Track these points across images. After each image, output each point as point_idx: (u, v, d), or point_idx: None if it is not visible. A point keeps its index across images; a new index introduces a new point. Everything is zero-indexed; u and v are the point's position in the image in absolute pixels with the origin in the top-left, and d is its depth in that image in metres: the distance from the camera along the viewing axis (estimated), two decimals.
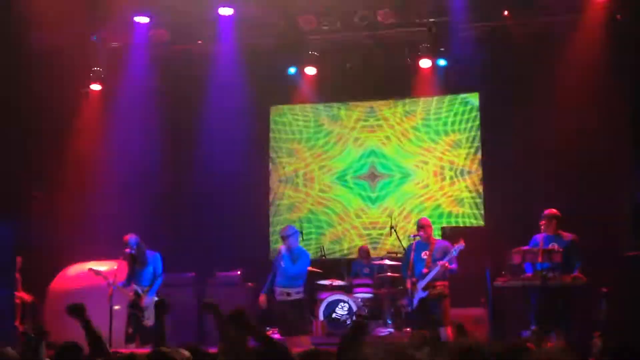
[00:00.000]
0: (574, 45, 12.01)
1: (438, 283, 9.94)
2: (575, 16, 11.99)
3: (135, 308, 10.50)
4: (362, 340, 5.20)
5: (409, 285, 10.00)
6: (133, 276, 10.63)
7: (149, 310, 10.38)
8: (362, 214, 13.82)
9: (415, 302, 9.94)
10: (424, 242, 10.16)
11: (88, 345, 5.49)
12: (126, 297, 10.62)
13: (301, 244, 11.74)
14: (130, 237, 10.68)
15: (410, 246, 10.35)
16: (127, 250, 10.61)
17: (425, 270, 9.91)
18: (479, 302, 11.05)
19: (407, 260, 10.17)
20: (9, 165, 12.58)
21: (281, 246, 10.69)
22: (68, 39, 12.60)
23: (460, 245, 9.82)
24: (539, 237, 9.84)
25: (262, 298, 10.52)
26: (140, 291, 10.51)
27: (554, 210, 9.90)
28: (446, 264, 9.75)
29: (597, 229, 10.81)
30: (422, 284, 9.90)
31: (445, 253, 9.91)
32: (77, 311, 5.60)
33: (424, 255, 10.04)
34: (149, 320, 10.38)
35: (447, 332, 9.64)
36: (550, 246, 9.64)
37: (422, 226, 10.23)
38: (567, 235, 9.82)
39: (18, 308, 11.23)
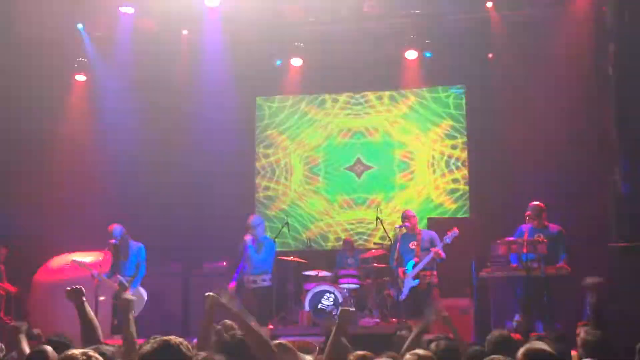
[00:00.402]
0: (559, 36, 12.03)
1: (427, 272, 10.15)
2: (560, 8, 12.03)
3: (117, 300, 10.48)
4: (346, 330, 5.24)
5: (401, 274, 10.18)
6: (117, 267, 10.62)
7: (134, 301, 10.37)
8: (347, 208, 13.81)
9: (405, 291, 10.17)
10: (410, 233, 10.34)
11: (81, 329, 5.59)
12: (111, 288, 10.60)
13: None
14: (115, 227, 10.66)
15: (396, 237, 10.54)
16: (112, 240, 10.59)
17: (416, 259, 10.12)
18: (464, 293, 11.08)
19: (394, 252, 10.30)
20: None
21: (247, 236, 10.67)
22: (53, 29, 12.55)
23: (454, 232, 9.99)
24: (525, 228, 9.89)
25: (232, 285, 10.55)
26: (125, 282, 10.49)
27: (541, 204, 9.95)
28: (439, 251, 9.96)
29: (582, 220, 10.86)
30: (413, 272, 10.11)
31: (433, 242, 10.08)
32: (75, 294, 5.69)
33: (412, 245, 10.25)
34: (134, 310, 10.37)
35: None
36: (535, 237, 9.69)
37: (406, 217, 10.50)
38: (554, 227, 9.89)
39: (2, 299, 11.19)
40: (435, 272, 10.25)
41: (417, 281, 10.14)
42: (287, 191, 14.08)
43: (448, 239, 10.03)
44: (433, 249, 10.04)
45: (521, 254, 9.74)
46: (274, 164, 14.16)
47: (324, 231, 13.81)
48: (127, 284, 10.48)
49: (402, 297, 10.28)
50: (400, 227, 10.73)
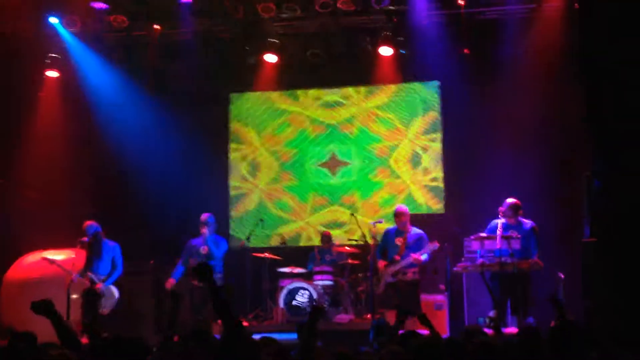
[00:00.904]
0: (532, 33, 12.09)
1: (407, 270, 10.18)
2: (532, 4, 12.07)
3: (90, 295, 10.40)
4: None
5: (381, 266, 10.24)
6: (90, 265, 10.55)
7: (106, 298, 10.34)
8: (320, 207, 13.79)
9: (382, 285, 10.21)
10: (400, 229, 10.36)
11: (60, 340, 5.21)
12: (83, 286, 10.55)
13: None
14: (89, 225, 10.59)
15: (387, 230, 10.59)
16: (84, 238, 10.54)
17: (397, 257, 10.14)
18: (438, 289, 11.12)
19: (382, 244, 10.43)
20: None
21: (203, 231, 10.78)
22: (25, 24, 12.45)
23: (434, 245, 10.07)
24: (498, 223, 9.91)
25: (171, 281, 10.69)
26: (95, 279, 10.44)
27: (517, 201, 9.98)
28: (419, 258, 10.01)
29: (556, 215, 10.91)
30: (391, 270, 10.13)
31: (419, 243, 10.17)
32: (44, 308, 5.25)
33: (398, 242, 10.27)
34: (105, 308, 10.34)
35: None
36: (510, 233, 9.73)
37: (396, 214, 10.49)
38: (527, 223, 9.93)
39: None
40: (416, 269, 10.27)
41: (394, 279, 10.17)
42: (257, 189, 14.00)
43: (427, 255, 10.11)
44: (413, 255, 10.01)
45: (494, 250, 9.77)
46: (247, 160, 14.09)
47: (296, 232, 13.75)
48: (98, 281, 10.42)
49: (380, 289, 10.30)
50: (375, 223, 10.84)
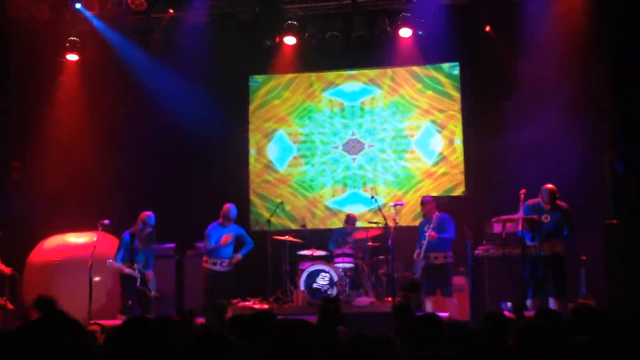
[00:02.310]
0: (555, 15, 11.96)
1: (439, 254, 10.49)
2: None
3: (142, 284, 10.71)
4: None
5: (415, 256, 10.56)
6: (136, 253, 10.72)
7: (153, 283, 10.77)
8: (341, 190, 13.78)
9: (418, 271, 10.54)
10: (426, 217, 10.67)
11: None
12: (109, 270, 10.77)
13: (282, 215, 11.86)
14: (149, 216, 10.78)
15: (420, 223, 10.96)
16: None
17: (423, 242, 10.48)
18: (459, 271, 11.09)
19: (420, 233, 10.69)
20: None
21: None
22: (44, 8, 12.46)
23: (400, 202, 11.02)
24: (530, 203, 9.92)
25: None
26: (142, 269, 10.67)
27: (553, 186, 9.91)
28: (431, 233, 10.29)
29: (579, 197, 10.81)
30: (420, 254, 10.47)
31: (442, 225, 10.45)
32: (45, 305, 5.20)
33: (427, 229, 10.52)
34: (154, 291, 10.77)
35: (453, 301, 10.45)
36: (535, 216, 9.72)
37: (422, 203, 10.87)
38: (562, 205, 9.86)
39: None
40: (449, 253, 10.53)
41: (424, 261, 10.46)
42: (278, 172, 13.99)
43: (447, 235, 10.45)
44: (427, 234, 10.32)
45: (525, 232, 9.77)
46: (267, 143, 14.06)
47: (314, 215, 13.74)
48: (145, 271, 10.77)
49: (417, 275, 10.61)
50: (395, 205, 10.95)
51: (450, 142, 13.37)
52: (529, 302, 9.69)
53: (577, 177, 11.45)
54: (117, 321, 8.84)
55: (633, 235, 10.35)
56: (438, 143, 13.44)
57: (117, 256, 10.69)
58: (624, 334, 4.97)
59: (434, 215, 10.57)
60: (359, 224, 12.55)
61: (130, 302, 10.57)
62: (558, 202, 9.83)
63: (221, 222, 11.13)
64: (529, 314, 8.78)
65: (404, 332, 5.27)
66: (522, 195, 9.85)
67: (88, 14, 12.81)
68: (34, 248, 12.19)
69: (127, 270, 10.62)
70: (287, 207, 13.31)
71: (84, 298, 10.41)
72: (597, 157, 11.61)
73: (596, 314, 5.52)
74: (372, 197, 11.73)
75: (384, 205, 12.40)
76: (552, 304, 9.57)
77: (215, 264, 11.04)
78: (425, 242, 10.41)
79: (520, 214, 9.72)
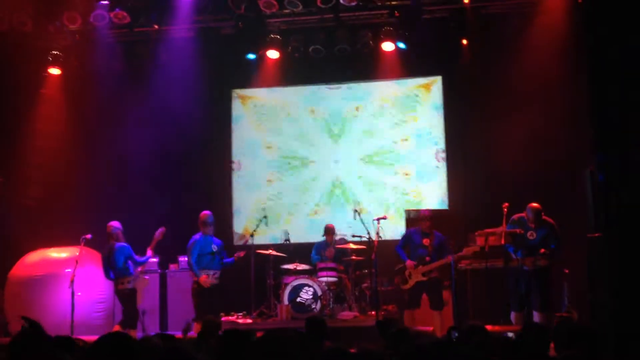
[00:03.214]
0: (535, 29, 12.05)
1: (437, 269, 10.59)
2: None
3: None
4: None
5: (410, 265, 10.55)
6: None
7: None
8: (323, 204, 13.79)
9: (411, 282, 10.56)
10: (425, 231, 10.71)
11: None
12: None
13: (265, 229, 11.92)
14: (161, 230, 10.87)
15: (409, 231, 11.04)
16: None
17: (427, 259, 10.51)
18: (443, 285, 11.10)
19: (404, 243, 10.78)
20: None
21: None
22: (27, 20, 12.42)
23: (383, 216, 11.07)
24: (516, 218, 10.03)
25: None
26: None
27: (538, 205, 9.97)
28: (450, 260, 10.29)
29: (560, 210, 10.86)
30: (422, 269, 10.51)
31: (442, 247, 10.60)
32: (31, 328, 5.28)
33: (426, 242, 10.60)
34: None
35: (440, 315, 10.53)
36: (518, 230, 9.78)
37: (421, 218, 10.91)
38: (548, 220, 9.92)
39: None
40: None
41: (425, 278, 10.56)
42: (261, 185, 13.97)
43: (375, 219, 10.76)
44: (450, 257, 10.31)
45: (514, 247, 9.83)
46: (250, 156, 14.04)
47: (298, 227, 13.72)
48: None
49: (408, 286, 10.61)
50: (378, 219, 10.93)
51: (433, 155, 13.40)
52: (512, 316, 9.72)
53: (558, 189, 11.53)
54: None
55: (614, 248, 10.38)
56: (420, 156, 13.47)
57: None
58: (606, 346, 5.01)
59: (433, 233, 10.66)
60: (340, 236, 12.58)
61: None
62: (544, 217, 9.89)
63: (203, 231, 11.03)
64: (514, 327, 8.84)
65: (393, 346, 5.28)
66: (505, 209, 9.90)
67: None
68: (16, 262, 12.11)
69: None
70: (270, 221, 13.25)
71: (67, 313, 10.37)
72: (577, 170, 11.65)
73: (579, 327, 5.55)
74: (356, 210, 11.74)
75: (367, 219, 12.37)
76: (536, 317, 9.62)
77: (208, 275, 10.88)
78: (430, 259, 10.49)
79: (503, 228, 9.77)
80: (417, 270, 10.51)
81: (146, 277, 10.99)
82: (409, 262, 10.57)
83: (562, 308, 10.07)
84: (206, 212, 11.09)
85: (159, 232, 10.79)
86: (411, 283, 10.55)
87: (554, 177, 11.83)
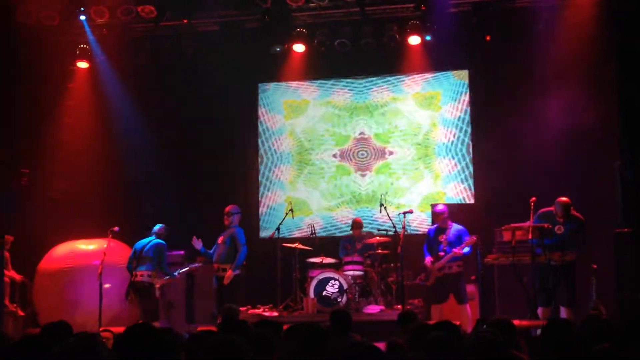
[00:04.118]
0: (563, 21, 11.97)
1: (453, 263, 10.57)
2: None
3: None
4: None
5: (428, 262, 10.65)
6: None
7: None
8: (350, 195, 13.78)
9: (432, 279, 10.64)
10: (441, 227, 10.74)
11: None
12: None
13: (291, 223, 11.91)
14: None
15: (429, 230, 11.08)
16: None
17: (441, 254, 10.53)
18: (469, 279, 11.10)
19: (427, 243, 10.84)
20: None
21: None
22: (54, 14, 12.52)
23: (473, 239, 10.42)
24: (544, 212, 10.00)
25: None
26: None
27: (567, 199, 9.91)
28: (460, 252, 10.38)
29: (588, 206, 10.80)
30: (438, 265, 10.55)
31: (460, 238, 10.52)
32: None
33: (441, 238, 10.64)
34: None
35: (467, 309, 10.49)
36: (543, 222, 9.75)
37: (436, 214, 10.91)
38: (577, 216, 9.86)
39: (7, 287, 11.18)
40: (460, 262, 10.61)
41: (441, 273, 10.57)
42: (286, 179, 14.01)
43: (469, 248, 10.48)
44: (455, 250, 10.36)
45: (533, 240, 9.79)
46: (275, 151, 14.07)
47: (325, 221, 13.75)
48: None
49: (429, 283, 10.72)
50: (404, 212, 11.02)
51: (460, 149, 13.36)
52: (539, 311, 9.68)
53: (586, 184, 11.45)
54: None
55: None
56: (446, 149, 13.43)
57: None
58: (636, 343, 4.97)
59: (450, 226, 10.66)
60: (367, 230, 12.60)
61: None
62: (573, 212, 9.83)
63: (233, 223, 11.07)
64: (540, 323, 8.81)
65: (416, 340, 5.27)
66: (532, 204, 9.85)
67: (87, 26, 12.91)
68: (45, 255, 12.22)
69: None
70: (296, 214, 13.26)
71: (95, 305, 10.47)
72: (606, 165, 11.59)
73: (607, 323, 5.51)
74: (382, 204, 11.73)
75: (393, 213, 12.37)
76: (562, 312, 9.57)
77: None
78: (444, 254, 10.48)
79: (530, 222, 9.72)
80: (435, 266, 10.56)
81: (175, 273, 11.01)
82: (427, 260, 10.67)
83: (590, 304, 10.00)
84: (232, 205, 11.16)
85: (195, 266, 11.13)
86: (431, 279, 10.63)
87: (582, 170, 11.75)
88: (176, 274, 10.75)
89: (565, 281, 9.71)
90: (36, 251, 12.26)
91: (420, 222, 13.06)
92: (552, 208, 9.86)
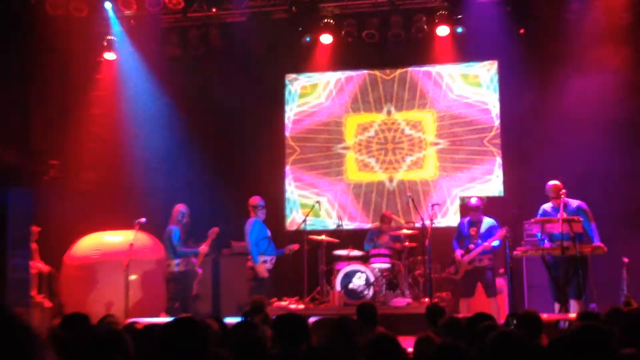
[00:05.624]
0: (594, 9, 11.78)
1: (484, 256, 10.56)
2: None
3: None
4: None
5: (457, 255, 10.63)
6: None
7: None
8: (378, 190, 13.69)
9: (461, 272, 10.61)
10: (473, 220, 10.74)
11: None
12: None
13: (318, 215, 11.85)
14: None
15: (460, 222, 11.06)
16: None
17: (471, 247, 10.52)
18: (498, 272, 10.98)
19: (457, 235, 10.82)
20: (26, 134, 12.61)
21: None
22: (82, 6, 12.56)
23: (503, 232, 10.31)
24: (547, 207, 9.91)
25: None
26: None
27: (559, 183, 9.83)
28: (489, 245, 10.41)
29: (619, 196, 10.65)
30: (467, 258, 10.53)
31: (491, 231, 10.50)
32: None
33: (472, 231, 10.64)
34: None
35: (496, 302, 10.46)
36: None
37: (470, 208, 10.87)
38: (573, 203, 9.75)
39: (34, 278, 11.22)
40: (491, 256, 10.59)
41: (471, 266, 10.54)
42: (315, 170, 13.94)
43: (499, 241, 10.42)
44: (484, 243, 10.38)
45: (555, 233, 9.62)
46: (304, 141, 14.00)
47: (352, 213, 13.67)
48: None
49: (459, 276, 10.68)
50: (432, 204, 11.16)
51: (488, 141, 13.20)
52: (571, 304, 9.53)
53: (618, 175, 11.29)
54: (158, 320, 8.84)
55: None
56: (475, 142, 13.28)
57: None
58: None
59: (482, 219, 10.61)
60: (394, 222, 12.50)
61: (177, 305, 10.68)
62: (568, 199, 9.75)
63: (257, 215, 11.01)
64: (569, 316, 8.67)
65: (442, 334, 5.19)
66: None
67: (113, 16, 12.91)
68: (72, 246, 12.25)
69: None
70: (323, 206, 13.20)
71: (121, 296, 10.49)
72: (637, 157, 11.43)
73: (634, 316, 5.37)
74: (409, 196, 11.64)
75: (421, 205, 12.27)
76: (572, 306, 9.45)
77: (265, 262, 10.88)
78: (474, 247, 10.46)
79: (560, 215, 9.57)
80: (464, 259, 10.51)
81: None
82: (456, 253, 10.61)
83: (620, 297, 9.84)
84: (257, 197, 11.09)
85: (213, 231, 10.88)
86: (461, 273, 10.59)
87: (614, 165, 11.57)
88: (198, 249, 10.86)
89: (579, 273, 9.54)
90: (64, 242, 12.29)
91: (444, 214, 12.93)
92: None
